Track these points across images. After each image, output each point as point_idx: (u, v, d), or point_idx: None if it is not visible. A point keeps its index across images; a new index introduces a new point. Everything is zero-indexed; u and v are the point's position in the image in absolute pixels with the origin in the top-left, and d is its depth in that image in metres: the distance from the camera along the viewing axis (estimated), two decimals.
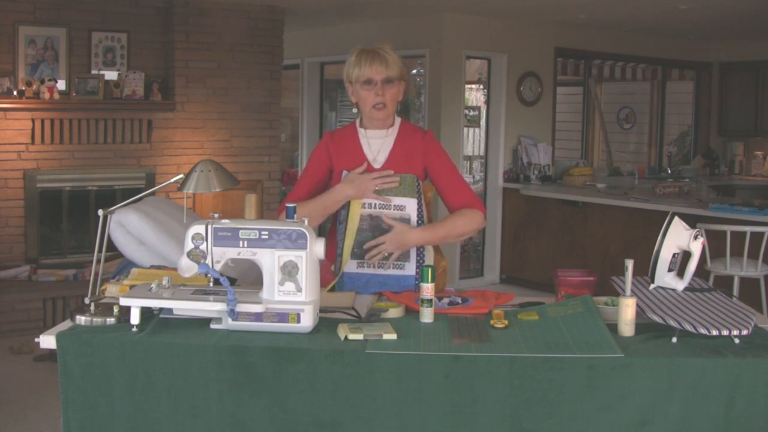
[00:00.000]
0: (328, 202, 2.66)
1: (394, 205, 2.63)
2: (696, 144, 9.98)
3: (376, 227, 2.63)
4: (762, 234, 5.23)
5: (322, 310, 2.28)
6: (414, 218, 2.64)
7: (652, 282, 2.47)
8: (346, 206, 2.66)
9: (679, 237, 2.43)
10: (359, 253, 2.64)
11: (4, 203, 5.98)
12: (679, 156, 10.05)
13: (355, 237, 2.64)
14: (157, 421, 2.07)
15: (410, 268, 2.64)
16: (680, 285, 2.46)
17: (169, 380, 2.05)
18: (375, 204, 2.63)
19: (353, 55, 2.70)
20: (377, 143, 2.74)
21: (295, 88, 9.38)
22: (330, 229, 2.79)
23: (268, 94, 7.01)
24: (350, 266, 2.64)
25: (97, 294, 2.31)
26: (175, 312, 2.20)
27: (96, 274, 2.32)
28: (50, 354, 4.70)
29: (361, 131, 2.76)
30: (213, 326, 2.16)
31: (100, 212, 2.35)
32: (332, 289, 2.63)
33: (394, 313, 2.33)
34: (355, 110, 2.83)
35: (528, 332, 2.16)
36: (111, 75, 6.33)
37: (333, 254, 2.68)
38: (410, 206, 2.64)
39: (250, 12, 6.84)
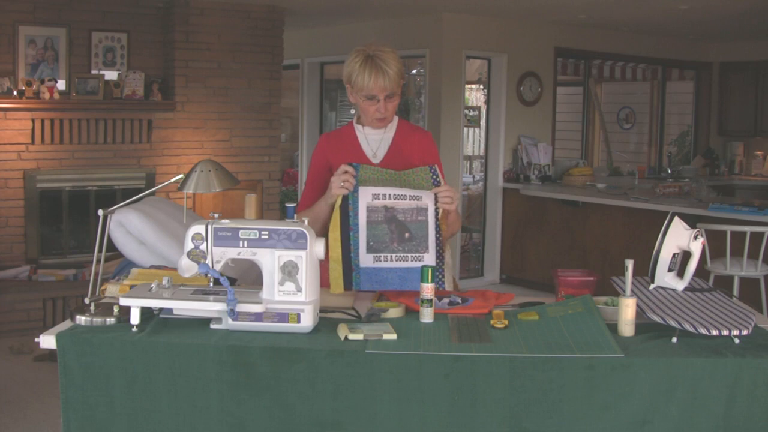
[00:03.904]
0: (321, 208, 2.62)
1: (410, 196, 2.56)
2: (696, 144, 9.98)
3: (391, 219, 2.55)
4: (762, 234, 5.23)
5: (322, 310, 2.28)
6: (431, 208, 2.56)
7: (652, 282, 2.47)
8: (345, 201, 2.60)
9: (679, 237, 2.43)
10: (375, 247, 2.54)
11: (4, 203, 5.98)
12: (679, 156, 10.05)
13: (370, 230, 2.55)
14: (157, 421, 2.07)
15: (430, 259, 2.54)
16: (680, 285, 2.46)
17: (169, 380, 2.05)
18: (390, 195, 2.56)
19: (357, 62, 2.63)
20: (376, 140, 2.75)
21: (295, 88, 9.39)
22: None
23: (268, 94, 7.01)
24: (366, 261, 2.55)
25: (97, 294, 2.31)
26: (175, 312, 2.20)
27: (96, 274, 2.32)
28: (50, 354, 4.70)
29: (358, 128, 2.77)
30: (213, 326, 2.16)
31: (100, 212, 2.35)
32: (346, 286, 2.54)
33: (394, 313, 2.33)
34: (353, 111, 2.81)
35: (528, 332, 2.16)
36: (111, 75, 6.34)
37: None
38: (426, 196, 2.56)
39: (250, 12, 6.84)
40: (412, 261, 2.52)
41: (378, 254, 2.54)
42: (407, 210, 2.54)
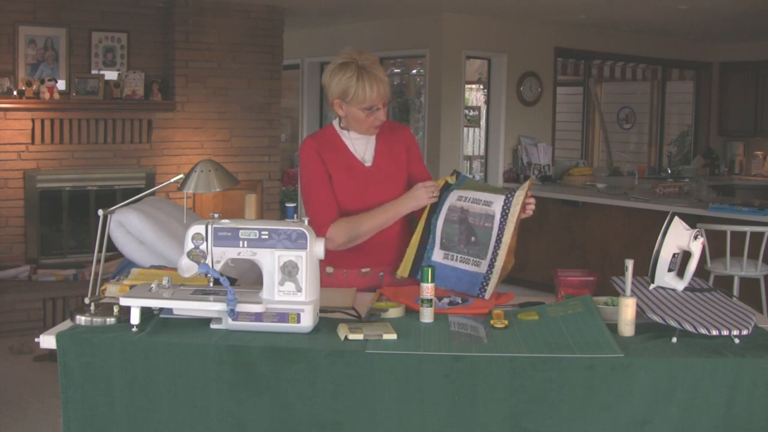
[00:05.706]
0: (391, 215, 2.69)
1: (483, 201, 2.60)
2: (696, 144, 9.98)
3: (463, 220, 2.60)
4: (762, 234, 5.23)
5: (322, 310, 2.28)
6: (498, 216, 2.56)
7: (652, 282, 2.47)
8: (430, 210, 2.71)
9: (679, 237, 2.43)
10: (446, 245, 2.62)
11: (4, 203, 5.98)
12: (679, 156, 10.06)
13: (445, 227, 2.63)
14: (157, 421, 2.07)
15: (483, 267, 2.56)
16: (680, 285, 2.46)
17: (169, 380, 2.05)
18: (469, 198, 2.61)
19: (352, 77, 2.59)
20: (361, 143, 2.75)
21: (295, 88, 9.39)
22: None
23: (268, 94, 7.01)
24: (438, 256, 2.64)
25: (97, 294, 2.31)
26: (175, 312, 2.20)
27: (96, 274, 2.32)
28: (50, 354, 4.70)
29: (344, 133, 2.76)
30: (213, 326, 2.16)
31: (100, 212, 2.35)
32: (411, 273, 2.65)
33: (394, 313, 2.33)
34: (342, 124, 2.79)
35: (528, 332, 2.16)
36: (111, 75, 6.34)
37: (397, 246, 2.74)
38: (497, 203, 2.58)
39: (250, 12, 6.84)
40: (471, 265, 2.58)
41: (448, 252, 2.63)
42: (477, 215, 2.59)
